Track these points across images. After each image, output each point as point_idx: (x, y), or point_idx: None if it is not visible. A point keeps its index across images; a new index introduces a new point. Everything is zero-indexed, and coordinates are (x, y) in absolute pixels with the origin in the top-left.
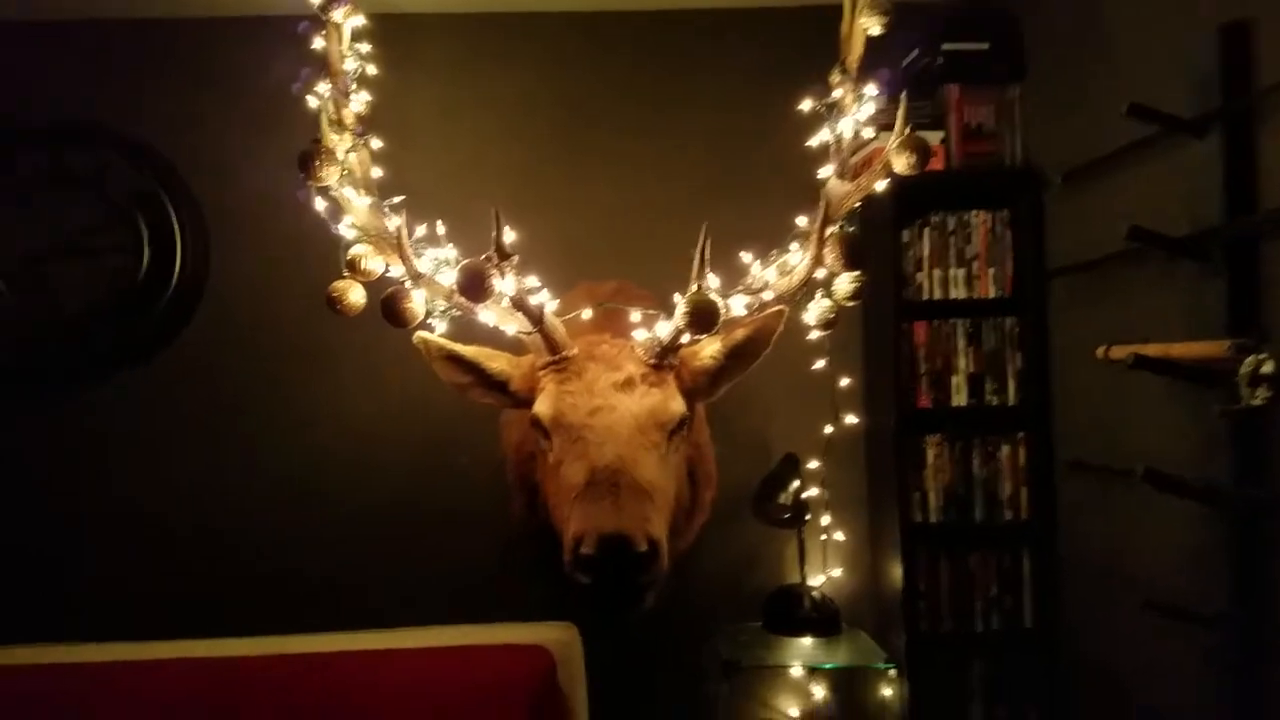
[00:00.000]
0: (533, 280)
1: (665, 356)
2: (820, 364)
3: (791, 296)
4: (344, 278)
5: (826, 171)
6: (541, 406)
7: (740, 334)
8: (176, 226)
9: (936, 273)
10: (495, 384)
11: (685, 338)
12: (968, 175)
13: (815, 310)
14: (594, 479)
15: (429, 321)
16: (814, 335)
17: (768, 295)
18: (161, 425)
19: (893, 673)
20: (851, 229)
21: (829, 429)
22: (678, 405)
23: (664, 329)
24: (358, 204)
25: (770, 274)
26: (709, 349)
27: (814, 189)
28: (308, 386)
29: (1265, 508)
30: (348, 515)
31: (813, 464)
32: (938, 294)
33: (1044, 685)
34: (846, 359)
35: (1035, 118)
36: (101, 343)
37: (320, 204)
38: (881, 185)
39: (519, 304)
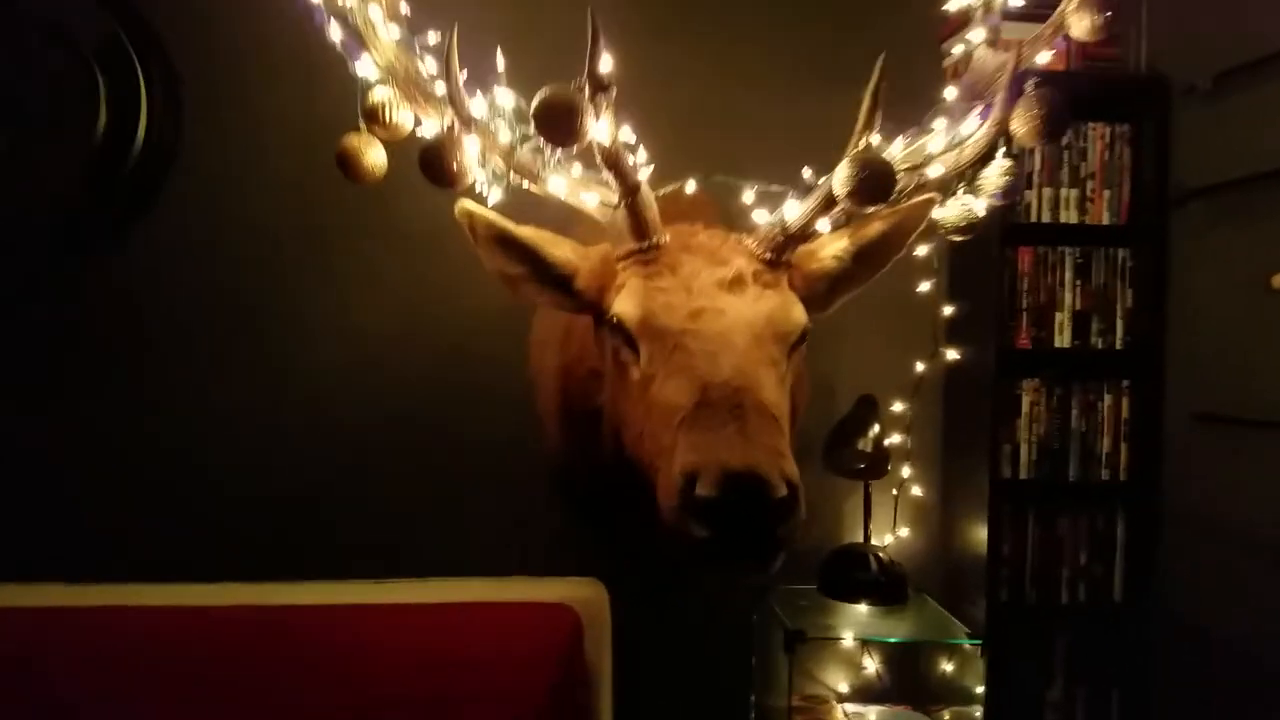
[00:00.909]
0: (627, 133)
1: (784, 251)
2: (925, 286)
3: (959, 176)
4: (360, 131)
5: (976, 36)
6: (625, 305)
7: (876, 228)
8: (141, 80)
9: (1047, 191)
10: (556, 278)
11: (824, 223)
12: (1086, 81)
13: (954, 208)
14: (707, 399)
15: (477, 190)
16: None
17: (933, 170)
18: (124, 327)
19: (975, 648)
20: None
21: (921, 366)
22: (800, 313)
23: (793, 211)
24: (384, 35)
25: (936, 144)
26: (831, 247)
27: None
28: (302, 284)
29: None
30: (349, 439)
31: (896, 406)
32: (1046, 217)
33: (1131, 666)
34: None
35: (1166, 18)
36: (48, 224)
37: (336, 33)
38: (1045, 57)
39: (612, 159)
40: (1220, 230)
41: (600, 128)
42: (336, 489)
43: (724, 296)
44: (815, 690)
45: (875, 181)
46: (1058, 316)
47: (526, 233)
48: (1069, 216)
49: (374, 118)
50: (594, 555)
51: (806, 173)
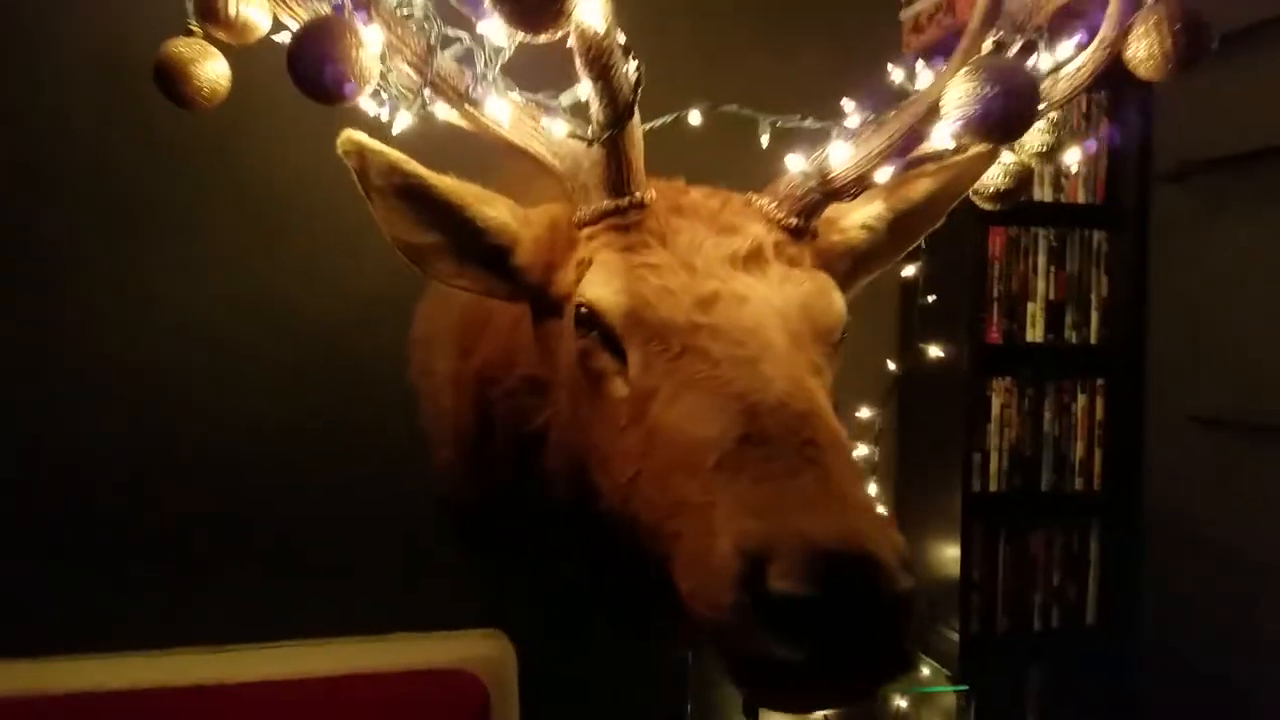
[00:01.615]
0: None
1: (815, 215)
2: (910, 270)
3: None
4: (191, 34)
5: None
6: (601, 290)
7: (923, 187)
8: None
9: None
10: (486, 250)
11: (885, 173)
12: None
13: (999, 171)
14: (759, 430)
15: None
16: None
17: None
18: None
19: (959, 696)
20: None
21: (892, 365)
22: (841, 302)
23: (840, 155)
24: None
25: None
26: (859, 214)
27: None
28: (101, 263)
29: None
30: (185, 462)
31: (862, 412)
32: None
33: (1109, 698)
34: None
35: None
36: None
37: None
38: None
39: (602, 59)
40: (1209, 212)
41: (590, 5)
42: (171, 525)
43: (740, 277)
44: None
45: (1012, 104)
46: (1030, 307)
47: (447, 184)
48: (1043, 194)
49: (211, 13)
50: (495, 598)
51: (848, 105)
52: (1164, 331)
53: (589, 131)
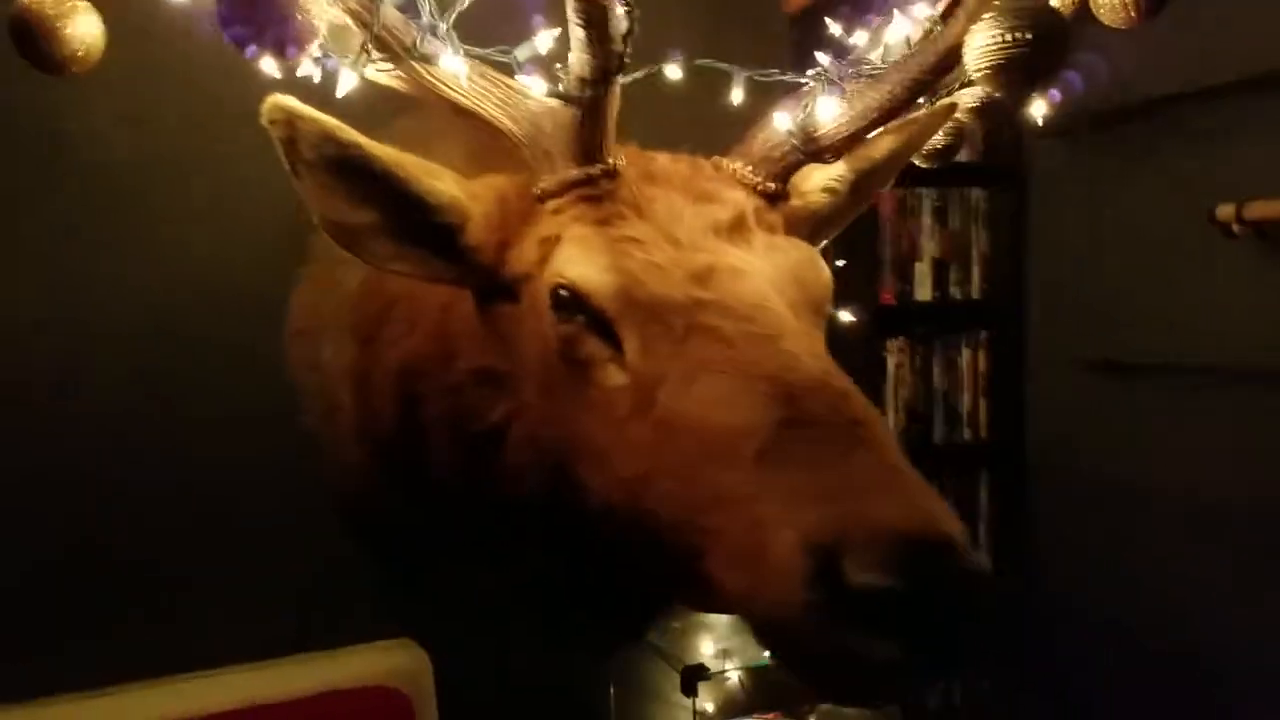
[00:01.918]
0: None
1: (789, 177)
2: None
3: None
4: None
5: None
6: (583, 268)
7: (885, 144)
8: None
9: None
10: (429, 229)
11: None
12: None
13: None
14: (801, 412)
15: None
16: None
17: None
18: None
19: None
20: None
21: None
22: (827, 270)
23: (828, 110)
24: None
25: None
26: (822, 175)
27: None
28: None
29: None
30: (42, 467)
31: None
32: None
33: (1001, 650)
34: None
35: None
36: None
37: None
38: None
39: (594, 8)
40: (1084, 166)
41: None
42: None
43: (728, 248)
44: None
45: (1047, 50)
46: (918, 267)
47: (388, 155)
48: None
49: None
50: (401, 605)
51: (824, 59)
52: (1043, 283)
53: (567, 88)
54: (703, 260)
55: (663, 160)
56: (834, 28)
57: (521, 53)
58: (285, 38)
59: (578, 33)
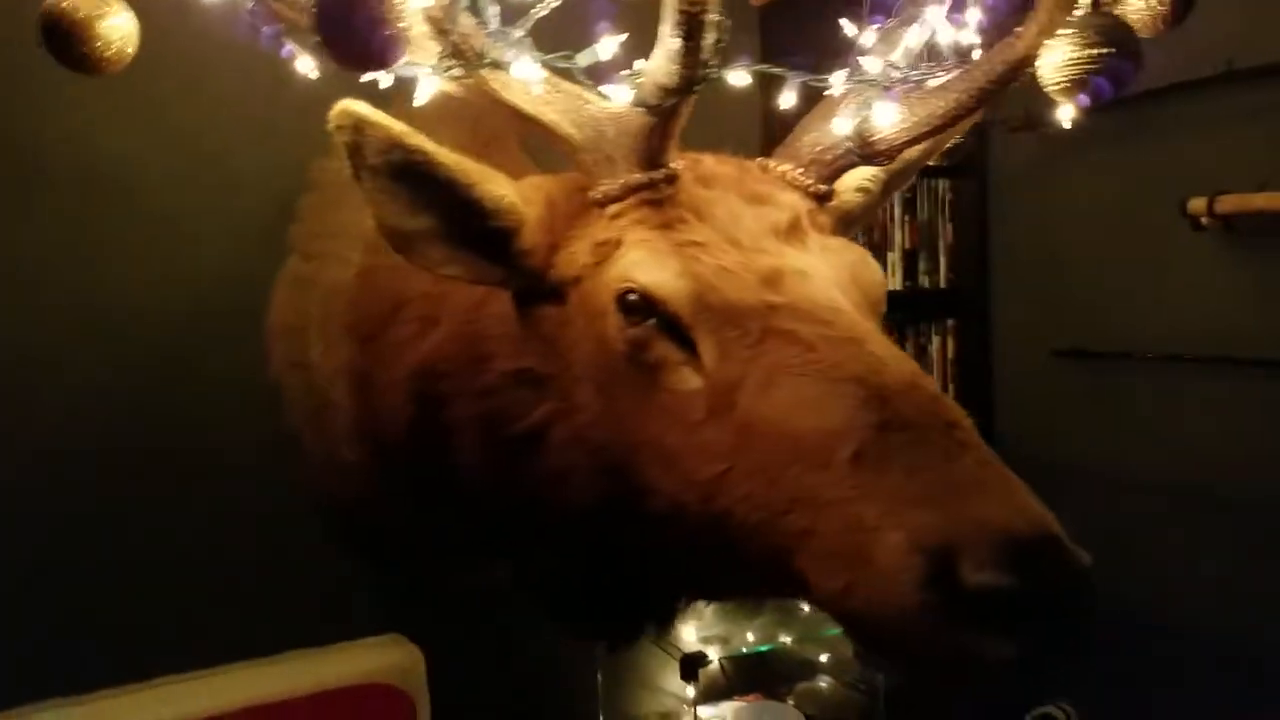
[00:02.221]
0: None
1: (837, 178)
2: None
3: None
4: None
5: None
6: (656, 273)
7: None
8: None
9: None
10: (486, 234)
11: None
12: None
13: None
14: (898, 415)
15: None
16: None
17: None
18: None
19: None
20: None
21: None
22: (879, 267)
23: (886, 115)
24: None
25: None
26: (856, 175)
27: None
28: None
29: None
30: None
31: None
32: None
33: None
34: None
35: None
36: None
37: None
38: None
39: (695, 19)
40: (1046, 158)
41: None
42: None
43: (789, 251)
44: (665, 704)
45: (1129, 65)
46: (890, 257)
47: (454, 160)
48: None
49: None
50: (390, 602)
51: (872, 65)
52: (1010, 272)
53: (646, 96)
54: (768, 263)
55: (710, 162)
56: (848, 28)
57: (583, 58)
58: (392, 42)
59: (672, 42)
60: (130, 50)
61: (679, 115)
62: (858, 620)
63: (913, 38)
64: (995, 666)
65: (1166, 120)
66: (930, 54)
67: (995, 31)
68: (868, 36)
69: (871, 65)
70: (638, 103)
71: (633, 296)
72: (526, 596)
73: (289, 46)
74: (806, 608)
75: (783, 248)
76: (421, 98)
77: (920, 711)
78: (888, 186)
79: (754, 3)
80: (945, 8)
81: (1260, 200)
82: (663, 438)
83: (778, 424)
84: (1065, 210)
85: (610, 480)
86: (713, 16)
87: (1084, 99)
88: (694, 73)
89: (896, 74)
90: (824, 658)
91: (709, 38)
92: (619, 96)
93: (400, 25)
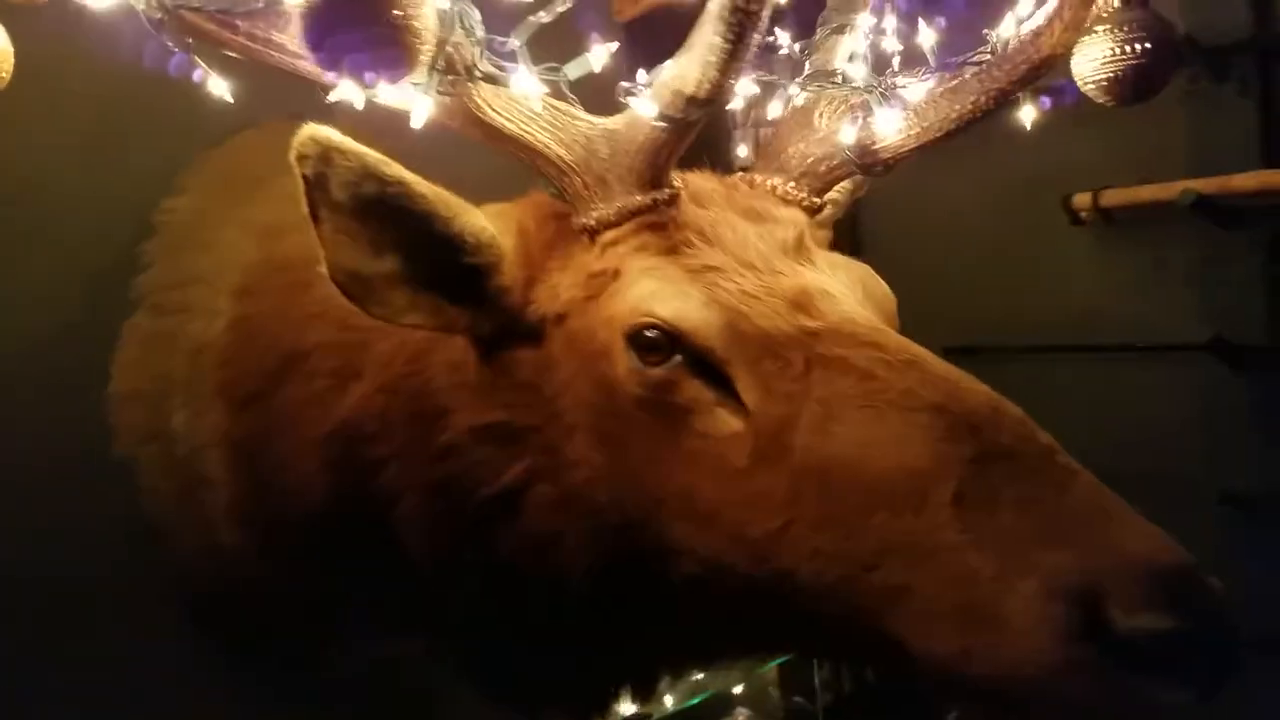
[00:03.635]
0: None
1: (829, 190)
2: None
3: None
4: None
5: None
6: (678, 305)
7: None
8: None
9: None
10: (459, 270)
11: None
12: None
13: None
14: (995, 444)
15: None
16: None
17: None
18: None
19: None
20: None
21: None
22: (883, 281)
23: (889, 123)
24: None
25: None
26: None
27: None
28: None
29: None
30: None
31: None
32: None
33: None
34: None
35: None
36: None
37: None
38: None
39: (747, 26)
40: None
41: None
42: None
43: (807, 271)
44: None
45: (1161, 60)
46: None
47: (432, 191)
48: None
49: None
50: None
51: (856, 72)
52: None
53: (671, 107)
54: (791, 284)
55: (696, 179)
56: (783, 37)
57: (573, 70)
58: (396, 62)
59: (713, 45)
60: (6, 72)
61: (694, 131)
62: (986, 684)
63: (852, 45)
64: (1167, 711)
65: (1046, 117)
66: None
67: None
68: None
69: (856, 72)
70: (661, 116)
71: (651, 333)
72: (453, 674)
73: (200, 70)
74: None
75: (797, 267)
76: (417, 120)
77: None
78: (853, 196)
79: (619, 17)
80: (870, 14)
81: (1146, 193)
82: (697, 491)
83: (849, 466)
84: (946, 210)
85: (616, 543)
86: (764, 19)
87: (1045, 100)
88: (731, 81)
89: (877, 81)
90: (738, 690)
91: (753, 41)
92: (644, 110)
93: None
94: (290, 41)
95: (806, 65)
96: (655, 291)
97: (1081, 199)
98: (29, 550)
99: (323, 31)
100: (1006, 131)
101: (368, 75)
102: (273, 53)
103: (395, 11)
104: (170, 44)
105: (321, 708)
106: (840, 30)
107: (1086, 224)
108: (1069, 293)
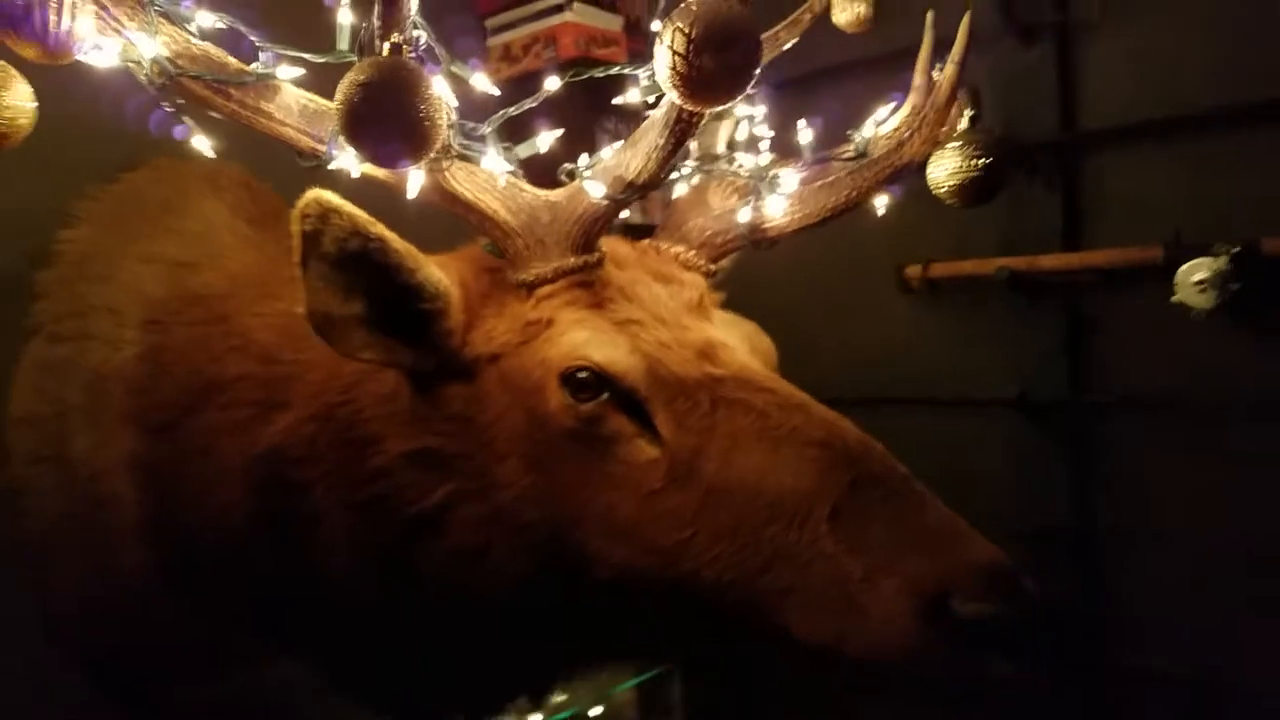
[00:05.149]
0: None
1: (722, 259)
2: None
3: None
4: None
5: None
6: (609, 351)
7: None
8: None
9: None
10: (411, 315)
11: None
12: None
13: None
14: (868, 473)
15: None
16: None
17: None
18: None
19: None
20: None
21: None
22: (767, 337)
23: (778, 206)
24: None
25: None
26: None
27: None
28: None
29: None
30: None
31: None
32: None
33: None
34: None
35: None
36: None
37: None
38: None
39: (690, 127)
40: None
41: None
42: None
43: (708, 326)
44: None
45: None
46: None
47: (405, 247)
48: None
49: (23, 24)
50: None
51: (748, 162)
52: None
53: (612, 188)
54: (697, 337)
55: (615, 244)
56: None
57: (523, 150)
58: (422, 144)
59: (655, 143)
60: (26, 126)
61: (624, 208)
62: (852, 664)
63: (729, 130)
64: (997, 684)
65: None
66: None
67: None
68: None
69: (745, 160)
70: (605, 195)
71: (583, 374)
72: (343, 689)
73: (184, 126)
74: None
75: (700, 323)
76: (412, 191)
77: None
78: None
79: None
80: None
81: (967, 266)
82: (615, 508)
83: (748, 487)
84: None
85: (538, 555)
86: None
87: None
88: (665, 174)
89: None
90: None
91: (688, 145)
92: (593, 190)
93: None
94: (277, 110)
95: (691, 146)
96: (588, 339)
97: (912, 270)
98: None
99: (363, 125)
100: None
101: (400, 161)
102: (260, 119)
103: (421, 112)
104: (164, 105)
105: None
106: (719, 117)
107: (915, 291)
108: (898, 352)
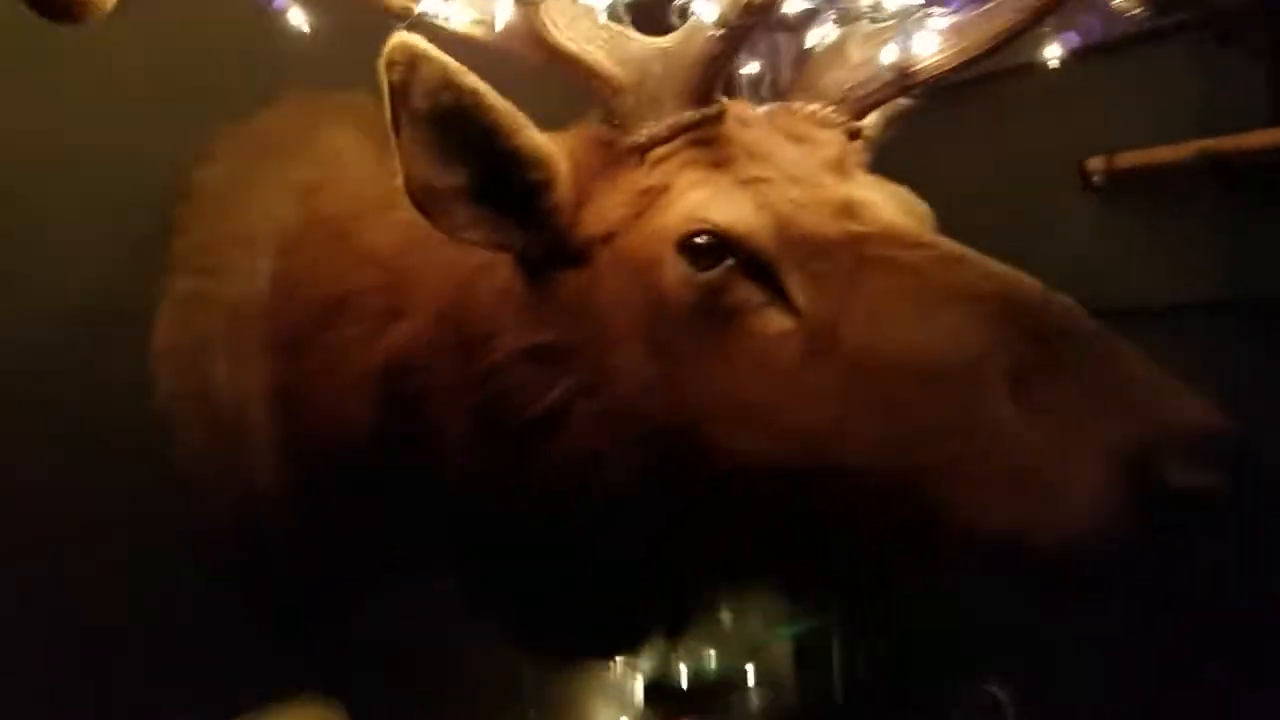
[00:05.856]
0: None
1: (868, 114)
2: None
3: None
4: None
5: None
6: (732, 212)
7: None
8: None
9: None
10: (518, 186)
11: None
12: None
13: None
14: (1049, 325)
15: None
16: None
17: None
18: None
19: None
20: None
21: None
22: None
23: (928, 44)
24: None
25: None
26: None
27: None
28: None
29: None
30: None
31: None
32: None
33: None
34: None
35: None
36: None
37: None
38: None
39: None
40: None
41: None
42: None
43: (851, 185)
44: None
45: None
46: None
47: (503, 104)
48: None
49: None
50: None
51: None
52: None
53: (732, 13)
54: (837, 194)
55: (738, 105)
56: None
57: None
58: None
59: None
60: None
61: (744, 43)
62: (1045, 554)
63: None
64: (1208, 567)
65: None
66: None
67: None
68: None
69: (890, 4)
70: (720, 23)
71: (702, 239)
72: (482, 616)
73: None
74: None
75: (841, 181)
76: (500, 23)
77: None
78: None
79: None
80: None
81: (1161, 153)
82: (749, 390)
83: (902, 355)
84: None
85: (661, 451)
86: None
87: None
88: None
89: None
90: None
91: None
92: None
93: None
94: None
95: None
96: (708, 199)
97: (1095, 162)
98: (71, 502)
99: None
100: (1017, 99)
101: None
102: None
103: None
104: None
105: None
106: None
107: (1097, 189)
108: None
